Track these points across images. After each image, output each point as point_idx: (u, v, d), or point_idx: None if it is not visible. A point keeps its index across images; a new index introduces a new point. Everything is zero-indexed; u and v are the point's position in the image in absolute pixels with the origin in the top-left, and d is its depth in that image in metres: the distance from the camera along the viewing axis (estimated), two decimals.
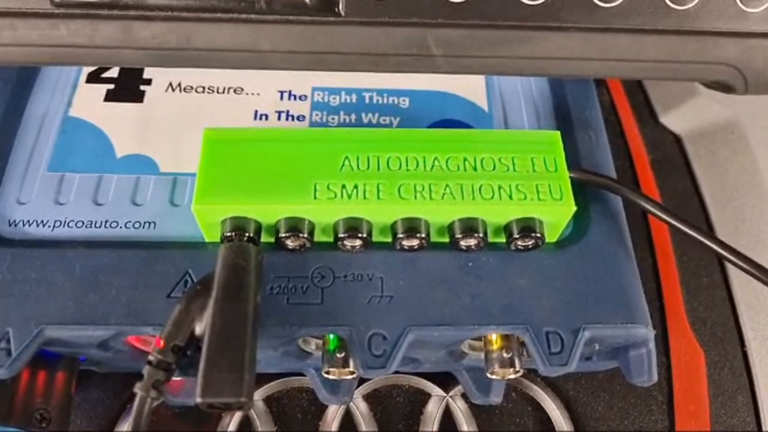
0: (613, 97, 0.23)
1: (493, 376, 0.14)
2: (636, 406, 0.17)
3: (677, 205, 0.21)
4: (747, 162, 0.22)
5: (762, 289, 0.15)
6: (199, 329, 0.13)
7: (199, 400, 0.12)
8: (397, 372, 0.16)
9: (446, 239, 0.15)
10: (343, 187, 0.14)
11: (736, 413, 0.17)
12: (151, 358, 0.13)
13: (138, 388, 0.12)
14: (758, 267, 0.15)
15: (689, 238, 0.15)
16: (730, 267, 0.19)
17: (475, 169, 0.14)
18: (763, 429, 0.17)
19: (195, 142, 0.15)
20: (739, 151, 0.22)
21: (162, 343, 0.13)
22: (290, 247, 0.14)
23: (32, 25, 0.15)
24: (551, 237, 0.15)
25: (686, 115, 0.23)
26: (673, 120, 0.23)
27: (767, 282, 0.14)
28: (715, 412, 0.17)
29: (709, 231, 0.20)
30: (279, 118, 0.17)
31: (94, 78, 0.17)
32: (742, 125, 0.22)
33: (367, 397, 0.17)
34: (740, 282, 0.19)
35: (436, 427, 0.16)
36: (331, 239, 0.15)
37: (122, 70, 0.18)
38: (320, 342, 0.15)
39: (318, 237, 0.15)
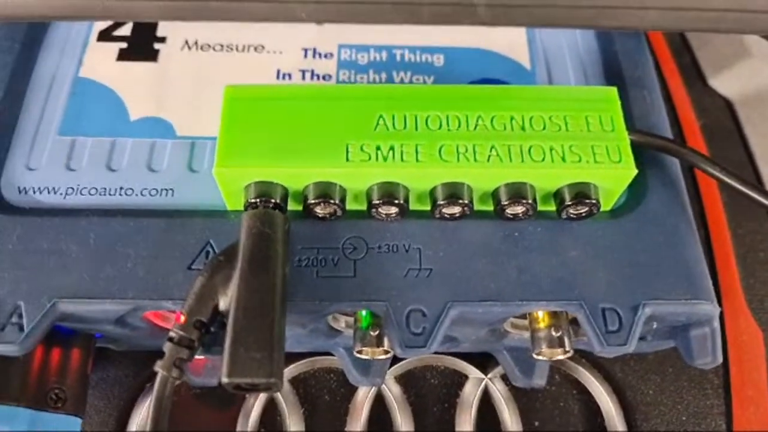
0: (658, 58, 0.21)
1: (539, 357, 0.13)
2: (690, 390, 0.16)
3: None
4: None
5: None
6: (223, 304, 0.12)
7: (225, 380, 0.11)
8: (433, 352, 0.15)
9: (491, 207, 0.13)
10: (378, 148, 0.13)
11: None
12: (172, 334, 0.12)
13: (159, 367, 0.11)
14: None
15: (752, 208, 0.14)
16: None
17: (523, 128, 0.13)
18: None
19: (214, 103, 0.14)
20: None
21: (183, 318, 0.12)
22: (320, 215, 0.13)
23: None
24: (606, 204, 0.14)
25: (738, 77, 0.21)
26: (724, 83, 0.21)
27: None
28: None
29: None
30: (303, 78, 0.16)
31: (105, 36, 0.16)
32: None
33: (400, 379, 0.16)
34: None
35: (474, 411, 0.15)
36: (364, 207, 0.13)
37: (135, 27, 0.16)
38: (351, 319, 0.14)
39: (350, 204, 0.13)
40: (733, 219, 0.18)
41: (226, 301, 0.12)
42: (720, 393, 0.16)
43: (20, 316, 0.12)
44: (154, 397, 0.11)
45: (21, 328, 0.12)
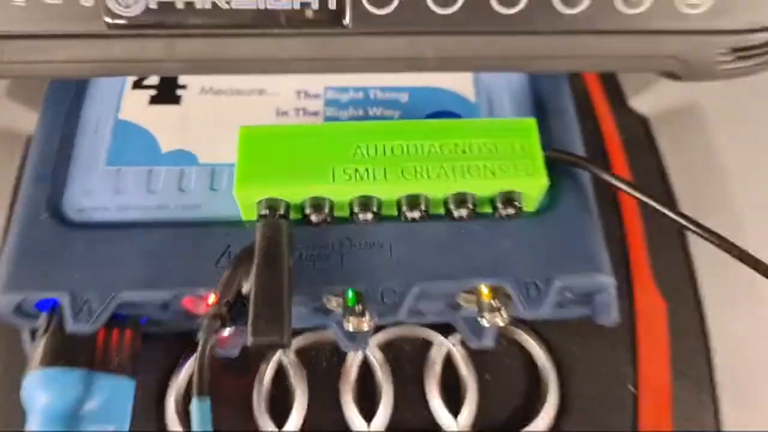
0: (587, 84, 0.26)
1: (484, 323, 0.18)
2: (604, 347, 0.20)
3: (645, 181, 0.24)
4: (706, 142, 0.25)
5: (717, 253, 0.18)
6: (245, 288, 0.16)
7: (250, 339, 0.15)
8: (405, 325, 0.19)
9: (442, 211, 0.18)
10: (356, 170, 0.17)
11: (691, 353, 0.21)
12: (208, 311, 0.16)
13: (201, 333, 0.15)
14: (713, 233, 0.18)
15: (649, 207, 0.18)
16: (689, 234, 0.22)
17: (464, 152, 0.17)
18: (712, 363, 0.20)
19: (227, 136, 0.18)
20: (698, 131, 0.25)
21: (215, 299, 0.16)
22: (314, 222, 0.17)
23: (89, 44, 0.18)
24: (529, 207, 0.18)
25: (651, 98, 0.26)
26: (641, 103, 0.26)
27: (720, 246, 0.17)
28: (673, 352, 0.21)
29: (672, 204, 0.24)
30: (297, 114, 0.20)
31: (137, 86, 0.20)
32: (701, 108, 0.25)
33: (381, 347, 0.20)
34: (696, 245, 0.22)
35: (439, 369, 0.19)
36: (347, 215, 0.18)
37: (162, 78, 0.21)
38: (341, 300, 0.18)
39: (337, 213, 0.18)
40: (646, 217, 0.23)
41: (247, 287, 0.16)
42: (629, 349, 0.20)
43: (90, 305, 0.16)
44: (197, 360, 0.15)
45: (91, 313, 0.16)
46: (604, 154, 0.24)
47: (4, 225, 0.21)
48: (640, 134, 0.25)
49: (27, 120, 0.24)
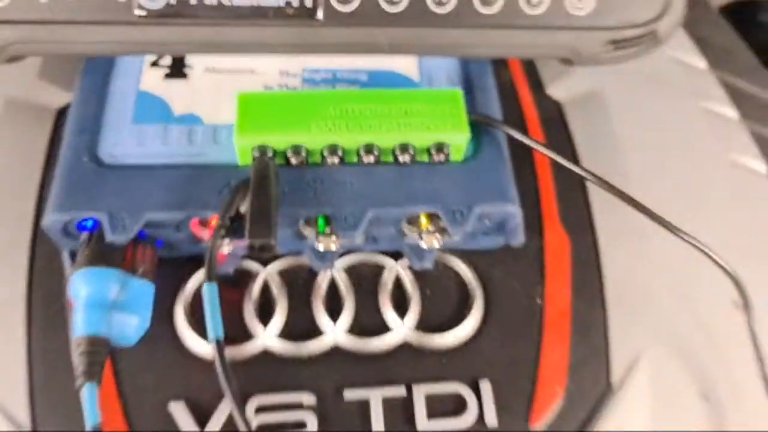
0: (513, 74, 0.32)
1: (423, 244, 0.23)
2: (520, 271, 0.26)
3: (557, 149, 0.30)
4: (606, 121, 0.31)
5: (610, 199, 0.24)
6: (243, 209, 0.21)
7: (248, 240, 0.20)
8: (363, 252, 0.25)
9: (390, 158, 0.23)
10: (326, 124, 0.23)
11: (588, 278, 0.26)
12: (215, 223, 0.21)
13: (209, 241, 0.21)
14: (606, 182, 0.24)
15: (558, 164, 0.24)
16: (589, 185, 0.29)
17: (406, 113, 0.23)
18: (604, 286, 0.26)
19: (226, 104, 0.24)
20: (601, 113, 0.31)
21: (220, 215, 0.21)
22: (294, 164, 0.23)
23: (121, 30, 0.23)
24: (456, 156, 0.24)
25: (564, 86, 0.32)
26: (556, 90, 0.32)
27: (611, 192, 0.24)
28: (573, 276, 0.26)
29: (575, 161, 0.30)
30: (280, 90, 0.26)
31: (154, 64, 0.26)
32: (604, 94, 0.32)
33: (345, 269, 0.25)
34: (594, 193, 0.28)
35: (390, 286, 0.25)
36: (319, 160, 0.23)
37: (173, 58, 0.26)
38: (314, 230, 0.23)
39: (311, 159, 0.23)
40: (555, 167, 0.29)
41: (244, 207, 0.21)
42: (537, 272, 0.26)
43: (123, 222, 0.22)
44: (208, 252, 0.21)
45: (125, 228, 0.21)
46: (525, 129, 0.30)
47: (41, 176, 0.26)
48: (555, 116, 0.31)
49: (56, 96, 0.29)
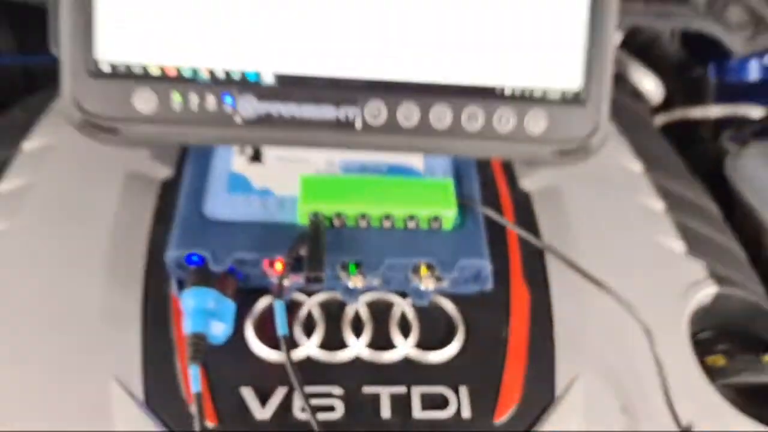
0: (494, 172, 0.43)
1: (422, 287, 0.33)
2: (492, 312, 0.36)
3: (524, 225, 0.41)
4: (561, 206, 0.42)
5: (561, 266, 0.34)
6: (302, 252, 0.32)
7: (306, 273, 0.30)
8: (379, 291, 0.35)
9: (401, 225, 0.34)
10: (359, 199, 0.33)
11: (541, 320, 0.36)
12: (284, 260, 0.31)
13: (282, 272, 0.31)
14: (559, 253, 0.34)
15: (522, 237, 0.35)
16: (546, 254, 0.39)
17: (413, 194, 0.34)
18: (554, 325, 0.36)
19: (290, 181, 0.35)
20: (558, 201, 0.42)
21: (287, 256, 0.32)
22: (336, 225, 0.34)
23: (224, 131, 0.34)
24: (447, 225, 0.34)
25: (531, 181, 0.43)
26: (525, 183, 0.43)
27: (562, 261, 0.34)
28: (531, 318, 0.36)
29: (537, 236, 0.40)
30: (327, 174, 0.37)
31: (241, 153, 0.37)
32: (561, 187, 0.43)
33: (367, 303, 0.35)
34: (550, 260, 0.39)
35: (398, 317, 0.35)
36: (353, 223, 0.34)
37: (254, 149, 0.37)
38: (347, 272, 0.34)
39: (348, 222, 0.34)
40: (522, 241, 0.39)
41: (303, 251, 0.32)
42: (506, 314, 0.36)
43: (220, 259, 0.32)
44: (279, 280, 0.31)
45: (221, 263, 0.32)
46: (501, 212, 0.41)
47: (150, 226, 0.37)
48: (525, 202, 0.42)
49: (161, 171, 0.40)
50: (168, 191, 0.38)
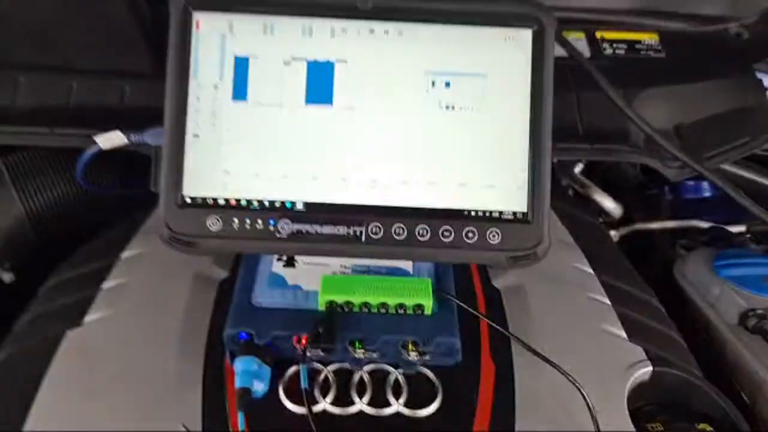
0: (471, 271, 0.55)
1: (410, 359, 0.45)
2: (464, 379, 0.47)
3: (493, 316, 0.52)
4: (525, 301, 0.53)
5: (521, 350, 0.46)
6: (320, 330, 0.44)
7: (323, 344, 0.42)
8: (377, 363, 0.46)
9: (393, 311, 0.46)
10: (363, 292, 0.46)
11: (504, 389, 0.47)
12: (308, 337, 0.44)
13: (305, 346, 0.43)
14: (521, 341, 0.46)
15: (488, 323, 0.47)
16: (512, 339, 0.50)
17: (402, 289, 0.47)
18: (515, 394, 0.46)
19: (314, 279, 0.48)
20: (522, 297, 0.54)
21: (308, 338, 0.44)
22: (345, 311, 0.46)
23: (269, 244, 0.49)
24: (428, 311, 0.47)
25: (502, 280, 0.55)
26: (496, 282, 0.55)
27: (522, 345, 0.46)
28: (495, 386, 0.47)
29: (505, 326, 0.51)
30: (341, 274, 0.50)
31: (279, 259, 0.51)
32: (525, 286, 0.55)
33: (368, 371, 0.47)
34: (514, 344, 0.50)
35: (392, 381, 0.46)
36: (358, 309, 0.46)
37: (288, 257, 0.51)
38: (353, 346, 0.46)
39: (354, 308, 0.46)
40: (490, 327, 0.50)
41: (321, 329, 0.44)
42: (476, 382, 0.46)
43: (263, 335, 0.44)
44: (302, 354, 0.43)
45: (263, 338, 0.44)
46: (476, 304, 0.53)
47: (211, 313, 0.50)
48: (496, 297, 0.54)
49: (219, 273, 0.54)
50: (224, 287, 0.52)
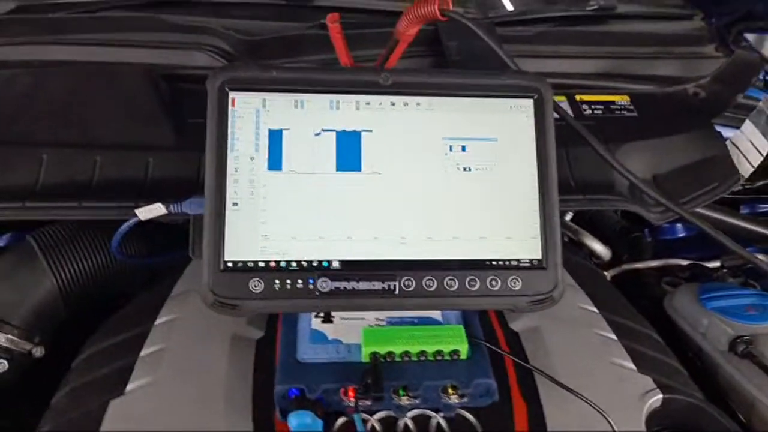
0: (491, 317, 0.60)
1: (450, 402, 0.48)
2: (499, 417, 0.50)
3: (516, 356, 0.56)
4: (542, 341, 0.58)
5: (546, 385, 0.50)
6: (368, 380, 0.47)
7: (373, 394, 0.45)
8: (419, 408, 0.49)
9: (432, 358, 0.50)
10: (402, 343, 0.50)
11: (536, 424, 0.50)
12: (357, 390, 0.46)
13: (355, 397, 0.46)
14: (546, 374, 0.50)
15: (514, 361, 0.51)
16: (537, 377, 0.54)
17: (437, 337, 0.50)
18: (546, 427, 0.50)
19: (353, 333, 0.51)
20: (539, 339, 0.58)
21: (359, 386, 0.47)
22: (388, 360, 0.49)
23: (309, 302, 0.52)
24: (463, 356, 0.50)
25: (520, 323, 0.60)
26: (514, 325, 0.59)
27: (549, 379, 0.50)
28: (529, 423, 0.50)
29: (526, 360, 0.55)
30: (377, 327, 0.53)
31: (317, 315, 0.54)
32: (542, 328, 0.59)
33: (412, 417, 0.49)
34: (540, 379, 0.54)
35: (434, 426, 0.49)
36: (399, 359, 0.50)
37: (325, 312, 0.54)
38: (397, 394, 0.49)
39: (396, 357, 0.50)
40: (516, 364, 0.54)
41: (369, 379, 0.47)
42: (510, 419, 0.50)
43: (313, 390, 0.47)
44: (355, 404, 0.46)
45: (313, 392, 0.47)
46: (499, 346, 0.57)
47: (252, 373, 0.52)
48: (515, 339, 0.58)
49: (256, 333, 0.56)
50: (262, 346, 0.54)
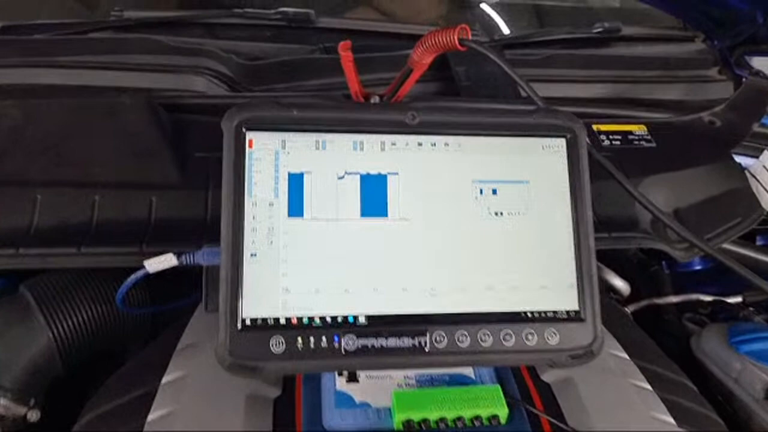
0: (522, 368, 0.56)
1: None
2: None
3: (549, 411, 0.53)
4: (575, 390, 0.55)
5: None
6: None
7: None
8: None
9: (469, 423, 0.46)
10: (435, 409, 0.46)
11: None
12: None
13: None
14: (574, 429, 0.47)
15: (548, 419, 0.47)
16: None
17: (473, 400, 0.47)
18: None
19: (381, 395, 0.47)
20: (572, 389, 0.55)
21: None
22: (423, 428, 0.46)
23: (333, 361, 0.48)
24: (503, 421, 0.47)
25: (553, 374, 0.56)
26: (545, 377, 0.56)
27: None
28: None
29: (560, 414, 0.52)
30: (407, 385, 0.49)
31: (340, 374, 0.50)
32: (573, 379, 0.56)
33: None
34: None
35: None
36: (434, 426, 0.46)
37: (349, 372, 0.50)
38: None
39: (432, 425, 0.46)
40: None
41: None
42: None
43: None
44: None
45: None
46: (532, 401, 0.54)
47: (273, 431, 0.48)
48: (547, 392, 0.55)
49: (272, 392, 0.52)
50: (280, 406, 0.50)
